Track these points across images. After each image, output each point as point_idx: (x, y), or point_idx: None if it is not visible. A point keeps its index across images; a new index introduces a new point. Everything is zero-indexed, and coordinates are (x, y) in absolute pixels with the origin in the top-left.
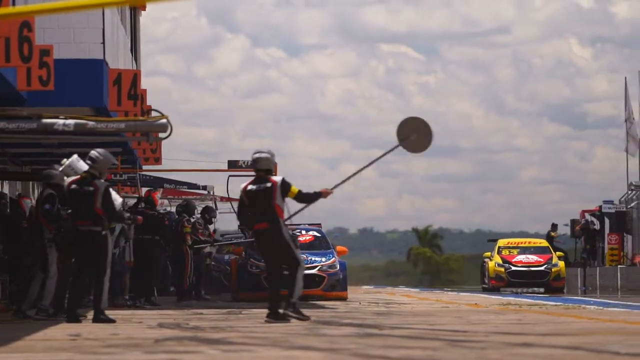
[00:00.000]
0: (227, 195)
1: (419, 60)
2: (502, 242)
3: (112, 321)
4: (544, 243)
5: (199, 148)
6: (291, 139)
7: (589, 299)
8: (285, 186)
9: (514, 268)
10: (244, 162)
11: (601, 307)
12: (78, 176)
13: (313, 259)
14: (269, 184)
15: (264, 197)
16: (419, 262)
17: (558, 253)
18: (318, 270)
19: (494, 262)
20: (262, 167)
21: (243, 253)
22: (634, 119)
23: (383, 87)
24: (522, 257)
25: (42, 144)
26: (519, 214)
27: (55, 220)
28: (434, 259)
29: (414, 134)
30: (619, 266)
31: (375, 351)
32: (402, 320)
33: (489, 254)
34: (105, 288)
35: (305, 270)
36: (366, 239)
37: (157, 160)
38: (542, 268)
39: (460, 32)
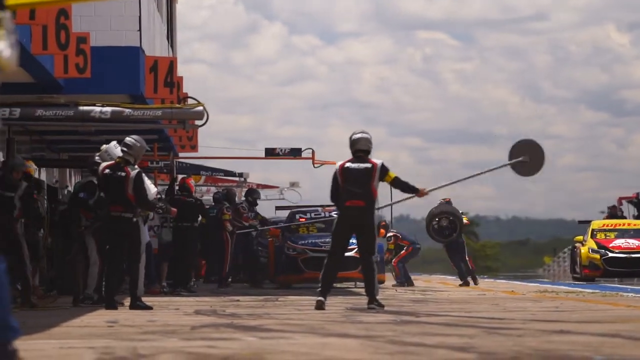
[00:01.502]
0: None
1: (455, 47)
2: (596, 224)
3: (149, 308)
4: None
5: (236, 135)
6: (327, 126)
7: (626, 286)
8: (384, 169)
9: (611, 254)
10: (280, 150)
11: (639, 295)
12: (112, 161)
13: (350, 240)
14: (369, 165)
15: (364, 176)
16: None
17: None
18: (355, 252)
19: (587, 248)
20: (362, 148)
21: (280, 236)
22: None
23: (419, 74)
24: (620, 242)
25: (79, 132)
26: (555, 201)
27: (91, 209)
28: (470, 245)
29: (527, 157)
30: None
31: (411, 338)
32: (438, 308)
33: (580, 238)
34: (141, 275)
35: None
36: (402, 227)
37: (194, 148)
38: None
39: (498, 19)
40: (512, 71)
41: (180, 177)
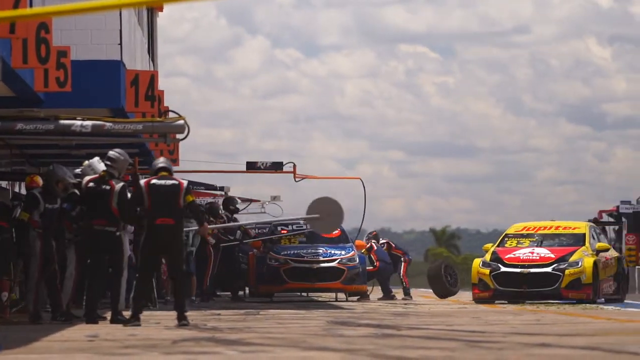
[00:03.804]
0: None
1: (437, 60)
2: (516, 227)
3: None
4: (580, 229)
5: (217, 149)
6: (309, 140)
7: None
8: (189, 190)
9: (503, 269)
10: (262, 164)
11: (619, 308)
12: (96, 175)
13: (333, 252)
14: (176, 182)
15: (172, 192)
16: None
17: (600, 245)
18: (338, 263)
19: (479, 261)
20: (165, 166)
21: (262, 247)
22: None
23: (401, 88)
24: (523, 252)
25: (60, 145)
26: (536, 214)
27: (75, 220)
28: (452, 259)
29: (326, 216)
30: (637, 267)
31: (392, 352)
32: (419, 321)
33: (489, 246)
34: (123, 289)
35: (325, 263)
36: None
37: (175, 162)
38: (548, 269)
39: (479, 32)
40: (493, 84)
41: None
